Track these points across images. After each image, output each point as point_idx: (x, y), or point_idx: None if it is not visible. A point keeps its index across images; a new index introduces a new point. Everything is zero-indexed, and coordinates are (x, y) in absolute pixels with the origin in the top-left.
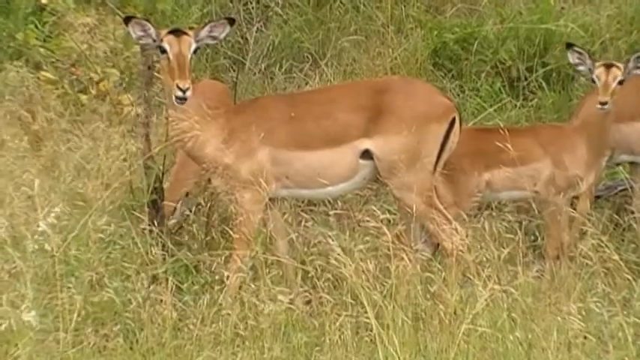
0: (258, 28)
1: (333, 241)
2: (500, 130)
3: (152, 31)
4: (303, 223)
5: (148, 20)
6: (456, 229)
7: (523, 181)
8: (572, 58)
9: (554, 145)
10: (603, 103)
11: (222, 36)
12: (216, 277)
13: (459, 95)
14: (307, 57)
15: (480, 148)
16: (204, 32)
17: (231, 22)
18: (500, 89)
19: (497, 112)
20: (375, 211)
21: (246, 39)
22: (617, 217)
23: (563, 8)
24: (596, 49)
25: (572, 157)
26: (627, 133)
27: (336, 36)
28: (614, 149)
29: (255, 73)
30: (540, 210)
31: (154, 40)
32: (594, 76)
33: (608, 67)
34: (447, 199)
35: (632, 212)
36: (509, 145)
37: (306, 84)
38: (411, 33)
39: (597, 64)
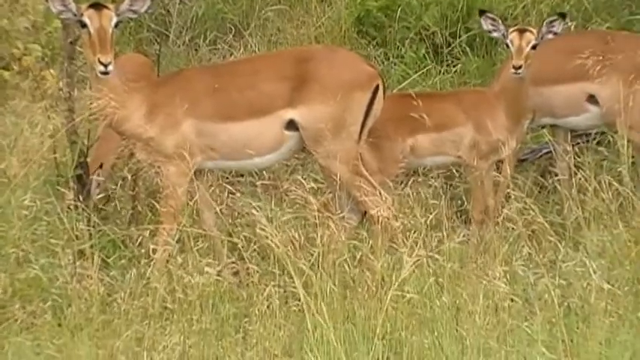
0: (181, 0)
1: (258, 211)
2: (423, 96)
3: (72, 5)
4: (229, 195)
5: None
6: (382, 197)
7: (446, 146)
8: (485, 24)
9: (476, 110)
10: (517, 68)
11: (142, 10)
12: (143, 251)
13: (383, 62)
14: (231, 28)
15: (403, 114)
16: (124, 6)
17: None
18: (424, 55)
19: (421, 78)
20: (301, 180)
21: (170, 11)
22: (542, 179)
23: None
24: (518, 13)
25: (493, 122)
26: (548, 96)
27: (259, 6)
28: (535, 112)
29: (179, 46)
30: (465, 175)
31: (75, 15)
32: (508, 42)
33: (522, 32)
34: (373, 166)
35: (557, 175)
36: (425, 113)
37: (231, 55)
38: (335, 1)
39: (511, 29)
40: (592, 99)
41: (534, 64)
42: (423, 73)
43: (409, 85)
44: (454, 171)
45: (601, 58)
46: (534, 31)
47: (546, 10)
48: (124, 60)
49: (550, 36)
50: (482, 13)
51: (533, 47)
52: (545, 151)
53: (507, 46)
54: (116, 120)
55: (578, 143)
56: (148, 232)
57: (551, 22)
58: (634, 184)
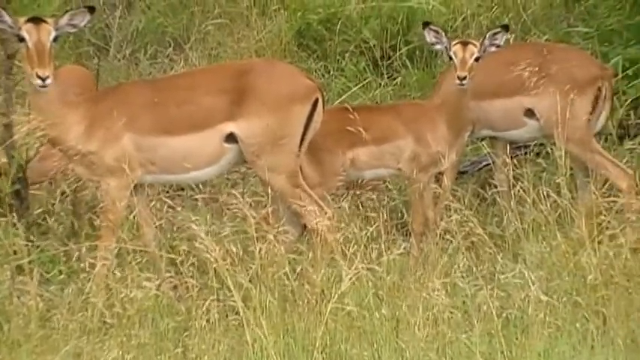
0: (121, 14)
1: (197, 225)
2: (363, 109)
3: (8, 19)
4: (169, 209)
5: (4, 9)
6: (322, 209)
7: (386, 159)
8: (428, 37)
9: (415, 122)
10: (462, 79)
11: (82, 24)
12: (82, 266)
13: (324, 75)
14: (171, 42)
15: (343, 127)
16: (63, 20)
17: (91, 10)
18: (364, 68)
19: (362, 91)
20: (241, 194)
21: (110, 25)
22: (481, 191)
23: None
24: (457, 26)
25: (433, 135)
26: (488, 110)
27: (200, 20)
28: (475, 125)
29: (119, 60)
30: (405, 187)
31: (12, 28)
32: (451, 54)
33: (465, 44)
34: (313, 179)
35: (496, 187)
36: (365, 127)
37: (171, 69)
38: (275, 15)
39: (454, 42)
40: (530, 112)
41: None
42: (363, 85)
43: (349, 98)
44: (393, 184)
45: (537, 70)
46: (477, 43)
47: (486, 23)
48: (65, 72)
49: (493, 48)
50: (425, 25)
51: (477, 59)
52: (484, 163)
53: (450, 58)
54: (55, 135)
55: (517, 155)
56: (87, 246)
57: (494, 34)
58: (572, 196)
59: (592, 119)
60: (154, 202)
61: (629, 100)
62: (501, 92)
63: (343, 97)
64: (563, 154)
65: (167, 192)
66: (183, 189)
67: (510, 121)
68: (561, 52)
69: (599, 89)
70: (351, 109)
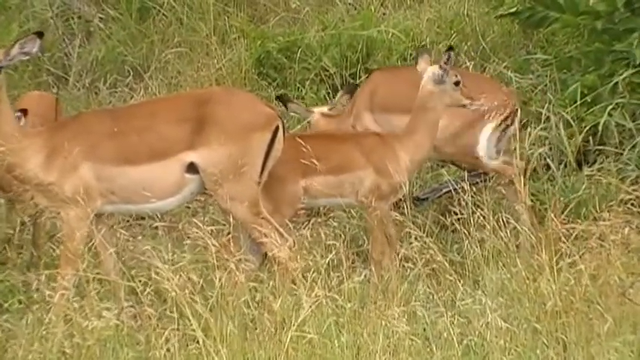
0: (80, 43)
1: (157, 254)
2: (319, 137)
3: None
4: (129, 238)
5: None
6: (283, 238)
7: (344, 188)
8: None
9: (376, 153)
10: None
11: (34, 50)
12: (42, 296)
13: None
14: (131, 71)
15: (298, 155)
16: (15, 50)
17: (40, 35)
18: (325, 96)
19: None
20: (201, 222)
21: (69, 54)
22: (442, 218)
23: (384, 14)
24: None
25: (395, 165)
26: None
27: (159, 48)
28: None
29: (79, 89)
30: (364, 215)
31: None
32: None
33: None
34: (267, 207)
35: (456, 214)
36: (324, 155)
37: (131, 98)
38: (235, 43)
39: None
40: None
41: None
42: None
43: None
44: (355, 211)
45: None
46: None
47: (444, 50)
48: (29, 99)
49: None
50: (450, 48)
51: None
52: (445, 190)
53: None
54: (13, 163)
55: (477, 182)
56: (46, 276)
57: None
58: (530, 222)
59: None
60: (112, 230)
61: (588, 127)
62: None
63: (302, 124)
64: (522, 180)
65: (127, 221)
66: (143, 218)
67: None
68: (473, 79)
69: (506, 117)
70: (307, 137)
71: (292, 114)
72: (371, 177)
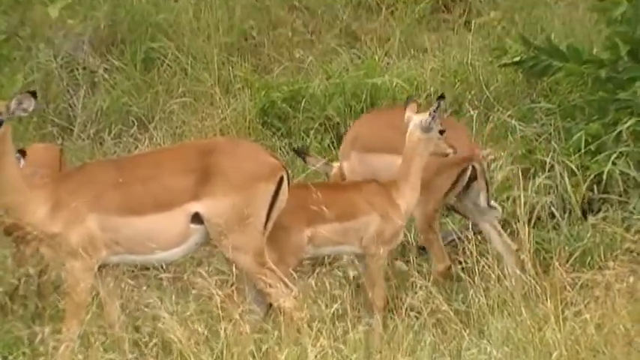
0: (85, 94)
1: (162, 305)
2: (324, 186)
3: None
4: (133, 288)
5: None
6: (288, 288)
7: (349, 236)
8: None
9: (379, 199)
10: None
11: (30, 109)
12: (46, 348)
13: (288, 153)
14: (136, 121)
15: (302, 205)
16: (13, 105)
17: (34, 95)
18: (329, 145)
19: None
20: (206, 272)
21: (73, 105)
22: None
23: (388, 63)
24: (421, 103)
25: (396, 210)
26: None
27: (164, 99)
28: None
29: (83, 139)
30: (366, 263)
31: None
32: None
33: None
34: (271, 256)
35: (461, 262)
36: (328, 204)
37: (136, 148)
38: (239, 93)
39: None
40: None
41: None
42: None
43: (315, 175)
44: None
45: None
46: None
47: (449, 100)
48: (34, 151)
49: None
50: (442, 97)
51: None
52: (449, 239)
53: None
54: (23, 214)
55: (481, 232)
56: (51, 328)
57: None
58: (536, 272)
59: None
60: (117, 281)
61: (592, 176)
62: None
63: (306, 173)
64: (527, 230)
65: (132, 271)
66: (148, 268)
67: None
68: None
69: (464, 170)
70: (311, 187)
71: (311, 167)
72: (375, 222)
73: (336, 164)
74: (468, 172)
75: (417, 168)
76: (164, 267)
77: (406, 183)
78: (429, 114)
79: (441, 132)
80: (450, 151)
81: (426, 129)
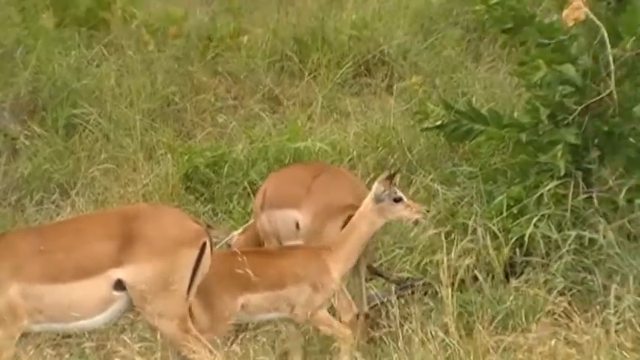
0: (6, 161)
1: None
2: (255, 253)
3: None
4: (54, 357)
5: None
6: (212, 354)
7: (280, 303)
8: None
9: (311, 267)
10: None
11: None
12: None
13: (211, 218)
14: (57, 188)
15: (235, 272)
16: None
17: None
18: (252, 210)
19: None
20: (129, 340)
21: None
22: (371, 331)
23: (311, 127)
24: (344, 166)
25: (328, 277)
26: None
27: (86, 165)
28: None
29: (5, 207)
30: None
31: None
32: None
33: None
34: (203, 323)
35: (384, 326)
36: (260, 271)
37: (58, 215)
38: (162, 159)
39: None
40: None
41: None
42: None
43: None
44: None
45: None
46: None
47: (372, 163)
48: None
49: None
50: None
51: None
52: (373, 303)
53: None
54: None
55: (404, 295)
56: None
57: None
58: (460, 335)
59: None
60: (40, 349)
61: (514, 239)
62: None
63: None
64: (450, 293)
65: (54, 339)
66: (70, 336)
67: None
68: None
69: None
70: (243, 254)
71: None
72: (307, 291)
73: (235, 232)
74: None
75: (360, 234)
76: (87, 335)
77: (342, 247)
78: (380, 183)
79: (396, 200)
80: (416, 216)
81: (376, 199)
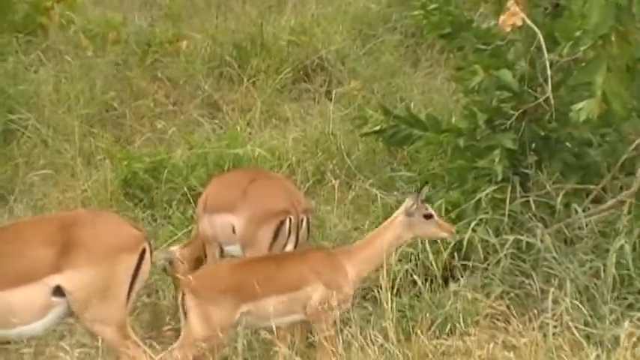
0: None
1: None
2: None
3: None
4: None
5: None
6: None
7: (294, 305)
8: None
9: (325, 269)
10: None
11: None
12: None
13: (151, 224)
14: None
15: (242, 280)
16: None
17: None
18: (192, 216)
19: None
20: (68, 346)
21: None
22: (310, 336)
23: (250, 133)
24: (284, 172)
25: (345, 279)
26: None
27: (24, 171)
28: None
29: None
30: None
31: None
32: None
33: None
34: (199, 334)
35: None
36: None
37: None
38: (101, 164)
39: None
40: None
41: None
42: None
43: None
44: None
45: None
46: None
47: (311, 169)
48: None
49: None
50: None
51: None
52: None
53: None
54: None
55: None
56: None
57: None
58: (398, 339)
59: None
60: None
61: (453, 243)
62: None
63: (168, 242)
64: (389, 297)
65: None
66: (9, 342)
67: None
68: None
69: (282, 222)
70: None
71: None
72: (320, 292)
73: (173, 248)
74: (287, 225)
75: (382, 243)
76: (25, 341)
77: (362, 251)
78: (413, 199)
79: (427, 216)
80: (444, 234)
81: (407, 212)
